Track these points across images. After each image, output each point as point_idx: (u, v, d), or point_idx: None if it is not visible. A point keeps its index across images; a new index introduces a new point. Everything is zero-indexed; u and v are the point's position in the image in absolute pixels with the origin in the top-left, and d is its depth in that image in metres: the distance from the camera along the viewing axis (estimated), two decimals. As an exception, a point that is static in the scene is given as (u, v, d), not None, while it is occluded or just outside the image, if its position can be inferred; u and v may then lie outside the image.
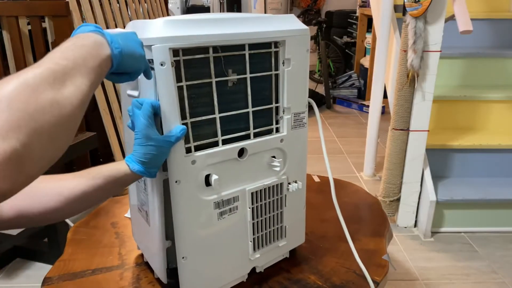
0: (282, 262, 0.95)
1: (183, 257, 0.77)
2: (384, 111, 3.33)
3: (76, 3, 1.94)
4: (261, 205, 0.86)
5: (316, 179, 1.39)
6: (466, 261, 1.83)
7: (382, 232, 1.09)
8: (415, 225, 2.06)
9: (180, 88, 0.70)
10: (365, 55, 4.35)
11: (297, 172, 0.90)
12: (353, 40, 4.81)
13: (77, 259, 0.99)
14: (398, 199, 2.04)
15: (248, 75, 0.78)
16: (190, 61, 0.71)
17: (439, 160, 2.10)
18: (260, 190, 0.85)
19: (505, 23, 2.49)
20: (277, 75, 0.82)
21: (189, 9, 6.13)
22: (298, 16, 5.17)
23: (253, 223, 0.85)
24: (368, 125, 2.53)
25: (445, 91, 2.21)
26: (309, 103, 0.90)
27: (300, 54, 0.83)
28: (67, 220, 1.07)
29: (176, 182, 0.73)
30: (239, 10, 5.93)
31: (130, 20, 1.23)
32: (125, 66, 0.62)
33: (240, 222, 0.84)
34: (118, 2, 2.32)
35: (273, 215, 0.88)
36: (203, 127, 0.75)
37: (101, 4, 2.14)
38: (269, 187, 0.86)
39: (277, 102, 0.84)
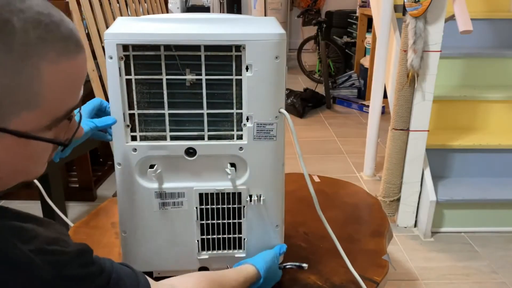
0: (282, 262, 0.95)
1: (123, 231, 0.85)
2: (384, 111, 3.33)
3: (76, 3, 1.93)
4: (212, 208, 0.84)
5: (316, 179, 1.39)
6: (466, 261, 1.83)
7: (382, 232, 1.09)
8: (415, 225, 2.06)
9: (136, 82, 0.77)
10: (365, 55, 4.34)
11: (262, 186, 0.84)
12: (353, 40, 4.80)
13: (77, 259, 0.99)
14: (398, 199, 2.04)
15: (203, 77, 0.77)
16: (146, 57, 0.76)
17: (439, 160, 2.10)
18: (211, 194, 0.83)
19: (505, 23, 2.49)
20: (241, 81, 0.79)
21: (189, 9, 6.14)
22: (298, 16, 5.17)
23: (201, 224, 0.85)
24: (368, 125, 2.53)
25: (445, 91, 2.21)
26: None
27: (266, 61, 0.77)
28: (67, 220, 1.07)
29: (118, 164, 0.81)
30: (239, 10, 5.93)
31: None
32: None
33: (186, 219, 0.84)
34: (118, 2, 2.32)
35: (227, 222, 0.86)
36: (161, 121, 0.80)
37: (101, 4, 2.14)
38: (222, 193, 0.83)
39: (241, 108, 0.81)
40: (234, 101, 0.79)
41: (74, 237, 1.08)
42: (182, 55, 0.76)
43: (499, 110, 2.21)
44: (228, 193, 0.84)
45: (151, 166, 0.81)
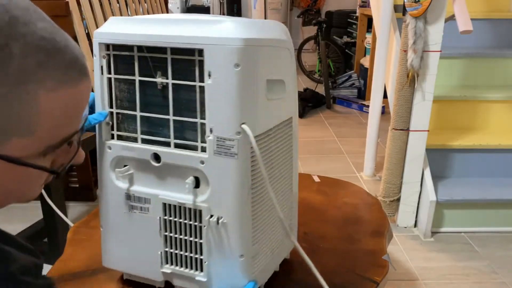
0: (282, 262, 0.95)
1: (101, 225, 0.86)
2: (384, 111, 3.33)
3: (76, 3, 1.93)
4: (175, 221, 0.79)
5: (316, 179, 1.39)
6: (466, 261, 1.83)
7: (382, 232, 1.10)
8: (415, 225, 2.06)
9: (118, 81, 0.78)
10: (365, 55, 4.35)
11: (224, 208, 0.75)
12: (353, 40, 4.81)
13: (77, 259, 0.99)
14: (398, 199, 2.04)
15: (170, 81, 0.74)
16: (125, 57, 0.76)
17: (439, 160, 2.10)
18: (175, 206, 0.78)
19: (505, 23, 2.49)
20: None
21: (189, 9, 6.13)
22: (298, 16, 5.17)
23: (165, 236, 0.80)
24: (368, 125, 2.54)
25: (445, 91, 2.21)
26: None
27: (225, 69, 0.69)
28: (67, 220, 1.07)
29: (99, 160, 0.83)
30: (239, 10, 5.93)
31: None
32: None
33: (152, 227, 0.81)
34: (118, 2, 2.32)
35: (189, 240, 0.79)
36: (136, 122, 0.79)
37: (101, 4, 2.14)
38: (185, 208, 0.78)
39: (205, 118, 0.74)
40: (198, 109, 0.73)
41: (74, 237, 1.08)
42: (155, 57, 0.74)
43: (499, 110, 2.21)
44: (190, 208, 0.77)
45: (125, 166, 0.81)
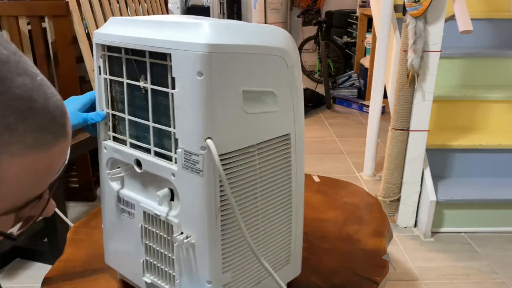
0: None
1: (103, 223, 0.86)
2: (384, 111, 3.33)
3: (76, 3, 1.94)
4: (153, 231, 0.76)
5: (316, 179, 1.39)
6: (466, 261, 1.83)
7: (382, 232, 1.10)
8: (415, 225, 2.06)
9: (116, 83, 0.78)
10: (365, 55, 4.35)
11: (192, 227, 0.70)
12: (353, 40, 4.81)
13: (77, 259, 0.99)
14: (398, 199, 2.04)
15: (149, 86, 0.70)
16: (117, 59, 0.76)
17: (439, 160, 2.10)
18: (152, 216, 0.75)
19: (505, 23, 2.49)
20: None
21: (189, 9, 6.13)
22: (298, 16, 5.18)
23: (146, 244, 0.78)
24: (368, 125, 2.53)
25: (445, 91, 2.21)
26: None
27: (188, 77, 0.63)
28: (67, 220, 1.07)
29: (100, 159, 0.83)
30: (239, 10, 5.93)
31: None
32: None
33: (137, 233, 0.79)
34: (118, 2, 2.32)
35: (164, 253, 0.76)
36: (129, 125, 0.78)
37: (101, 4, 2.14)
38: (160, 220, 0.74)
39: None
40: (171, 118, 0.68)
41: (74, 237, 1.08)
42: (139, 60, 0.72)
43: (499, 110, 2.21)
44: (163, 222, 0.73)
45: (118, 168, 0.81)
